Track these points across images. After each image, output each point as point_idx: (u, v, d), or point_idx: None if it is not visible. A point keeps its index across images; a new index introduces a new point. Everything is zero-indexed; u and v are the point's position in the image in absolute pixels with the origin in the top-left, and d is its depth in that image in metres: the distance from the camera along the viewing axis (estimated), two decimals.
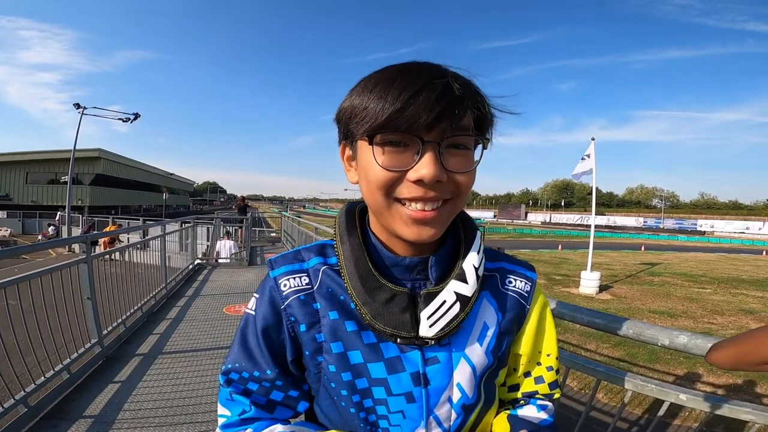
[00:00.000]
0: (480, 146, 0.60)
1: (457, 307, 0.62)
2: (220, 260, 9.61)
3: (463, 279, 0.63)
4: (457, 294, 0.62)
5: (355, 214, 0.70)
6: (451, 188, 0.57)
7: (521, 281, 0.72)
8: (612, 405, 3.81)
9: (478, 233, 0.69)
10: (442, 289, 0.62)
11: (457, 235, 0.69)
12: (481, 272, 0.65)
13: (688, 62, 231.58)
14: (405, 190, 0.56)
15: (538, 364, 0.74)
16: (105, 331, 3.67)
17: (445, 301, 0.62)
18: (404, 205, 0.57)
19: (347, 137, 0.61)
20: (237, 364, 0.66)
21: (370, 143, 0.55)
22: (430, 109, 0.51)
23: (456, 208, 0.60)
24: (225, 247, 10.05)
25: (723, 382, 4.49)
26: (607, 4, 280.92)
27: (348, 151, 0.64)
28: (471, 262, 0.64)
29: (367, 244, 0.66)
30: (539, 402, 0.74)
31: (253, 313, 0.67)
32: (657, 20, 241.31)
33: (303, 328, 0.64)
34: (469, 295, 0.63)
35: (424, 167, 0.53)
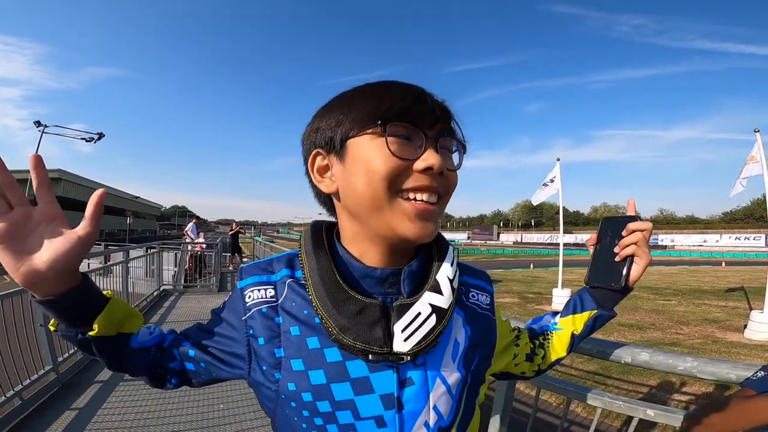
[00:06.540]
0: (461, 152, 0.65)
1: (433, 320, 0.58)
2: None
3: (437, 290, 0.60)
4: (432, 306, 0.59)
5: (323, 230, 0.68)
6: (445, 185, 0.60)
7: (483, 295, 0.73)
8: (590, 419, 3.81)
9: (451, 247, 0.68)
10: (416, 301, 0.59)
11: (429, 248, 0.67)
12: (455, 284, 0.63)
13: (641, 82, 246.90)
14: (412, 180, 0.56)
15: (516, 345, 0.82)
16: (60, 358, 3.51)
17: (420, 313, 0.58)
18: (408, 199, 0.57)
19: (326, 144, 0.60)
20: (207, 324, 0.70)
21: (383, 131, 0.55)
22: (434, 109, 0.58)
23: (443, 206, 0.62)
24: (192, 231, 11.71)
25: (695, 391, 4.59)
26: (568, 26, 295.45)
27: (321, 161, 0.63)
28: (445, 273, 0.62)
29: (335, 258, 0.63)
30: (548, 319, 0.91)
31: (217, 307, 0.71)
32: (613, 41, 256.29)
33: (261, 341, 0.61)
34: (445, 307, 0.60)
35: (432, 157, 0.56)
